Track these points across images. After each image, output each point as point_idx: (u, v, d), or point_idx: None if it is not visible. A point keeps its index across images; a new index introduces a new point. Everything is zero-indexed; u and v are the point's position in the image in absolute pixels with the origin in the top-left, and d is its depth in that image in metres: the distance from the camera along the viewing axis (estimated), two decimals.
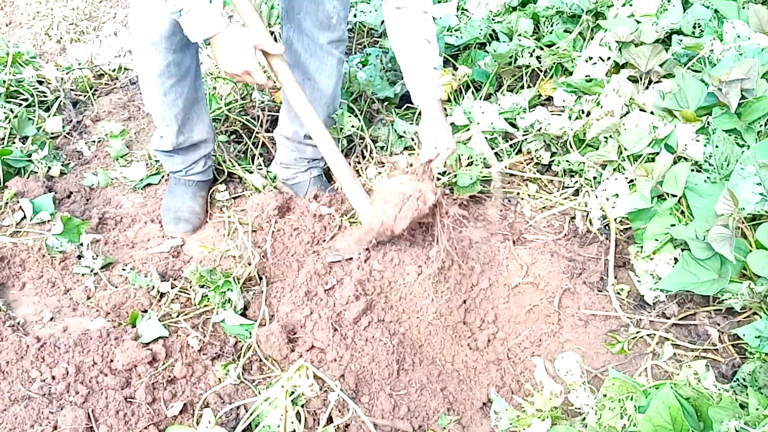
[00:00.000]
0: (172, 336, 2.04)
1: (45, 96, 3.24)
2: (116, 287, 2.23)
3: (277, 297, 2.18)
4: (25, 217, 2.52)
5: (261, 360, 2.00)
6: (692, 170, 2.19)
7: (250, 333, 2.04)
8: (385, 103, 3.01)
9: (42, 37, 3.98)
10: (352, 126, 2.74)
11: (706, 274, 1.94)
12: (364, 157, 2.80)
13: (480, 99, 2.81)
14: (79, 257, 2.35)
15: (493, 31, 3.08)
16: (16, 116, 2.96)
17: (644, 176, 2.18)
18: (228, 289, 2.11)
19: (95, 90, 3.39)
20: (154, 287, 2.20)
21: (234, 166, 2.78)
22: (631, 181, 2.30)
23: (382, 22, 3.34)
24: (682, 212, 2.15)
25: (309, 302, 2.06)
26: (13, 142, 2.89)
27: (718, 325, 2.01)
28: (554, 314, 2.11)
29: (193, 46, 2.27)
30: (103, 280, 2.27)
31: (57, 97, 3.24)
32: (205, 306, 2.15)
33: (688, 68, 2.55)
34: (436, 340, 2.03)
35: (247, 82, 2.08)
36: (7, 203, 2.57)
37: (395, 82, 3.04)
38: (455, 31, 3.06)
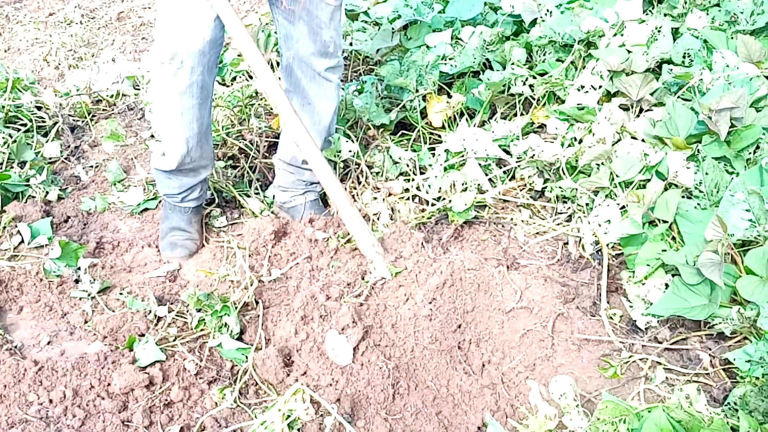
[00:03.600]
0: (169, 360, 2.06)
1: (43, 121, 3.27)
2: (113, 311, 2.25)
3: (273, 321, 2.20)
4: (23, 241, 2.54)
5: (257, 384, 2.01)
6: (683, 197, 2.22)
7: (247, 357, 2.05)
8: (381, 130, 3.05)
9: (41, 63, 4.02)
10: (349, 151, 2.77)
11: (697, 300, 1.97)
12: (359, 183, 2.84)
13: (474, 126, 2.85)
14: (77, 281, 2.36)
15: (487, 59, 3.13)
16: (14, 141, 2.99)
17: (636, 203, 2.21)
18: (225, 314, 2.13)
19: (93, 115, 3.42)
20: (151, 311, 2.21)
21: (231, 191, 2.81)
22: (623, 207, 2.34)
23: (378, 50, 3.39)
24: (673, 238, 2.19)
25: (305, 327, 2.08)
26: (12, 167, 2.91)
27: (710, 349, 2.03)
28: (548, 339, 2.13)
29: (215, 71, 2.30)
30: (101, 304, 2.28)
31: (55, 123, 3.27)
32: (202, 330, 2.17)
33: (679, 97, 2.60)
34: (431, 364, 2.05)
35: None
36: (5, 227, 2.59)
37: (391, 109, 3.09)
38: (449, 59, 3.11)
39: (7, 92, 3.24)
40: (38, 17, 4.61)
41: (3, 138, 3.00)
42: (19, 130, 3.15)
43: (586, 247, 2.41)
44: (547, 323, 2.16)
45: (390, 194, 2.76)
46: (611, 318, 2.19)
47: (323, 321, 2.07)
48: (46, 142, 3.16)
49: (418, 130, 3.00)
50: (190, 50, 2.16)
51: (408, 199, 2.73)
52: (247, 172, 2.94)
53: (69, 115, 3.39)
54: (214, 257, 2.53)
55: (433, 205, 2.67)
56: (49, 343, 2.16)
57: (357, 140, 2.89)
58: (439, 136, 2.98)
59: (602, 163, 2.49)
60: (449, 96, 3.02)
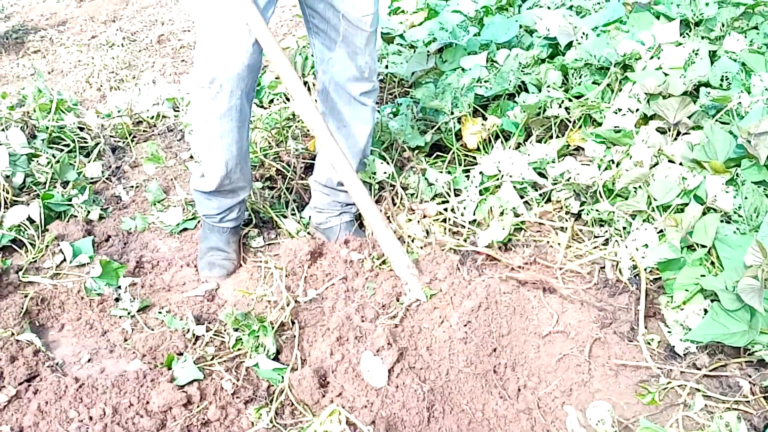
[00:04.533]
0: (207, 379, 2.08)
1: (86, 142, 3.35)
2: (152, 330, 2.29)
3: (309, 342, 2.21)
4: (65, 259, 2.60)
5: (293, 404, 2.02)
6: (722, 221, 2.20)
7: (283, 377, 2.07)
8: (416, 152, 3.06)
9: (83, 84, 4.12)
10: (384, 173, 2.80)
11: (736, 326, 1.95)
12: (394, 204, 2.85)
13: (509, 149, 2.86)
14: (117, 300, 2.41)
15: (522, 82, 3.14)
16: (58, 161, 3.06)
17: (674, 227, 2.20)
18: (262, 334, 2.15)
19: (134, 137, 3.50)
20: (189, 330, 2.24)
21: (268, 212, 2.84)
22: (661, 231, 2.32)
23: (413, 73, 3.42)
24: (712, 263, 2.16)
25: (340, 348, 2.09)
26: (55, 187, 2.98)
27: (750, 376, 2.00)
28: (585, 363, 2.12)
29: (253, 94, 2.34)
30: (140, 322, 2.32)
31: (97, 144, 3.35)
32: (239, 350, 2.19)
33: (717, 120, 2.58)
34: (466, 387, 2.04)
35: None
36: (47, 246, 2.65)
37: (426, 131, 3.11)
38: (485, 82, 3.13)
39: (51, 113, 3.33)
40: (81, 40, 4.72)
41: (47, 158, 3.08)
42: (62, 150, 3.23)
43: (624, 271, 2.39)
44: (584, 348, 2.15)
45: (425, 216, 2.77)
46: (649, 343, 2.17)
47: (358, 342, 2.09)
48: (88, 162, 3.23)
49: (453, 152, 3.02)
50: (229, 74, 2.20)
51: (443, 221, 2.75)
52: (284, 193, 2.97)
53: (110, 136, 3.47)
54: (251, 277, 2.56)
55: (468, 229, 2.67)
56: (89, 360, 2.20)
57: (392, 162, 2.91)
58: (474, 158, 2.99)
59: (640, 187, 2.47)
60: (484, 118, 3.04)
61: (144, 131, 3.57)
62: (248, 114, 2.38)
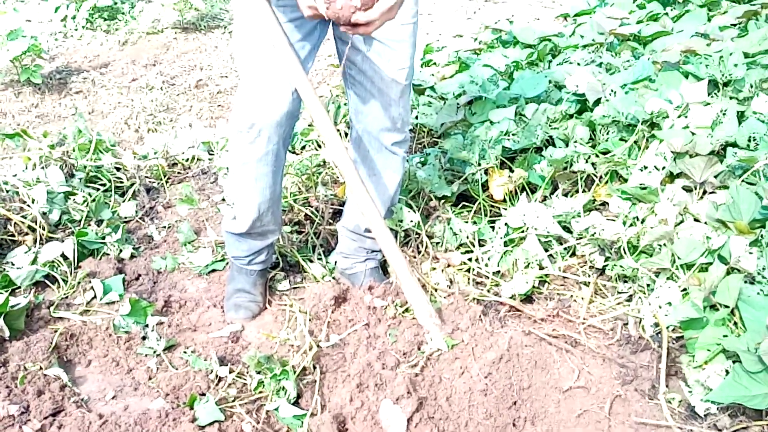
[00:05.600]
0: (227, 420, 2.11)
1: (121, 182, 3.44)
2: (177, 369, 2.32)
3: (329, 387, 2.23)
4: (95, 296, 2.66)
5: None
6: (745, 282, 2.20)
7: (302, 423, 2.09)
8: (442, 201, 3.10)
9: (122, 126, 4.24)
10: (411, 221, 2.84)
11: (758, 388, 1.93)
12: (419, 252, 2.89)
13: (535, 201, 2.88)
14: (144, 338, 2.45)
15: (550, 136, 3.18)
16: (93, 200, 3.15)
17: (697, 286, 2.20)
18: (284, 378, 2.18)
19: (168, 178, 3.59)
20: (212, 371, 2.28)
21: (295, 256, 2.89)
22: (684, 290, 2.32)
23: (443, 124, 3.48)
24: (735, 324, 2.16)
25: (360, 395, 2.10)
26: (89, 225, 3.06)
27: None
28: (605, 420, 2.11)
29: (289, 141, 2.40)
30: (165, 361, 2.36)
31: (132, 184, 3.44)
32: (260, 392, 2.22)
33: (743, 180, 2.59)
34: None
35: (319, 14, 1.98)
36: (79, 283, 2.72)
37: (453, 181, 3.15)
38: (512, 135, 3.17)
39: (90, 153, 3.43)
40: (122, 82, 4.87)
41: (83, 197, 3.17)
42: (98, 189, 3.33)
43: (647, 328, 2.39)
44: (605, 404, 2.14)
45: (449, 265, 2.80)
46: (670, 402, 2.15)
47: (378, 390, 2.10)
48: (123, 201, 3.31)
49: (479, 203, 3.05)
50: (269, 121, 2.27)
51: (467, 270, 2.77)
52: (312, 238, 3.02)
53: (146, 176, 3.56)
54: (275, 320, 2.60)
55: (492, 279, 2.69)
56: (114, 397, 2.24)
57: (419, 210, 2.96)
58: (500, 210, 3.02)
59: (664, 244, 2.48)
60: (511, 170, 3.07)
61: (178, 173, 3.66)
62: (283, 159, 2.44)
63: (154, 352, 2.40)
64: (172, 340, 2.47)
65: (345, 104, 3.68)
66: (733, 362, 2.06)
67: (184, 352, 2.39)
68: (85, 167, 3.39)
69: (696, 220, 2.54)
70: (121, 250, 2.95)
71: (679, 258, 2.39)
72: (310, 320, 2.49)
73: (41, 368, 2.26)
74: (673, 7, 4.57)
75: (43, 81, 4.80)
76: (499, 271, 2.73)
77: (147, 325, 2.49)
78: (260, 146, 2.32)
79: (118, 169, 3.52)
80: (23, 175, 3.14)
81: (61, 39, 5.59)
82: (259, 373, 2.24)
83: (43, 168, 3.24)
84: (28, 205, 2.95)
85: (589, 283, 2.67)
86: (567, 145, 3.10)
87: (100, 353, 2.42)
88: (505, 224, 2.81)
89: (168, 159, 3.70)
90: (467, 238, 2.87)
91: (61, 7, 5.78)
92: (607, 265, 2.67)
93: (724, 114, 2.84)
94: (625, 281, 2.61)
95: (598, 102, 3.20)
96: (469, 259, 2.80)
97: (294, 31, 2.23)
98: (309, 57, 2.31)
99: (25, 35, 4.68)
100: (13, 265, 2.79)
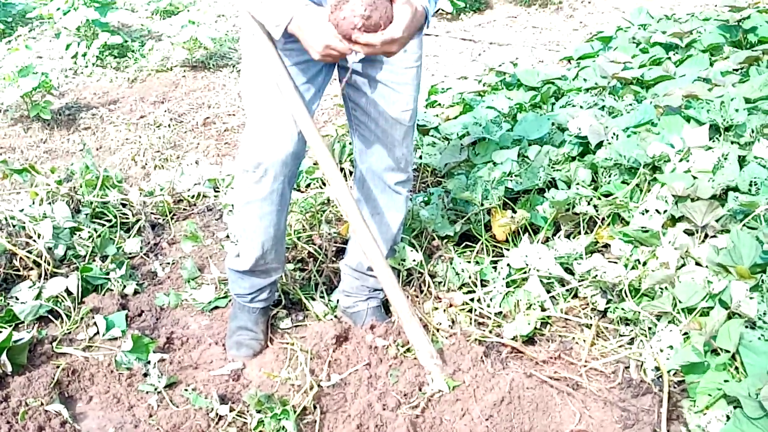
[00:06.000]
0: None
1: (127, 218, 3.47)
2: (177, 407, 2.32)
3: (329, 428, 2.23)
4: (98, 332, 2.67)
5: None
6: (746, 327, 2.20)
7: None
8: (445, 241, 3.12)
9: (129, 162, 4.28)
10: (413, 260, 2.85)
11: None
12: (421, 292, 2.89)
13: (537, 243, 2.90)
14: (145, 375, 2.45)
15: (552, 178, 3.21)
16: (99, 236, 3.18)
17: (698, 330, 2.20)
18: (284, 417, 2.17)
19: (174, 214, 3.61)
20: (213, 409, 2.27)
21: (297, 293, 2.90)
22: (686, 333, 2.32)
23: (446, 164, 3.51)
24: (736, 369, 2.16)
25: None
26: (94, 260, 3.09)
27: None
28: None
29: (294, 180, 2.43)
30: (166, 398, 2.36)
31: (138, 220, 3.47)
32: (260, 431, 2.21)
33: (744, 225, 2.61)
34: None
35: (332, 58, 2.04)
36: (83, 318, 2.74)
37: (456, 221, 3.17)
38: (515, 176, 3.20)
39: (96, 189, 3.47)
40: (130, 119, 4.93)
41: (89, 233, 3.19)
42: (104, 225, 3.35)
43: (648, 372, 2.39)
44: None
45: (451, 305, 2.80)
46: None
47: (379, 431, 2.10)
48: (128, 237, 3.34)
49: (482, 243, 3.07)
50: (275, 161, 2.30)
51: (469, 311, 2.77)
52: (314, 276, 3.04)
53: (151, 212, 3.58)
54: (276, 358, 2.60)
55: (494, 320, 2.69)
56: None
57: (421, 249, 2.97)
58: (503, 250, 3.03)
59: (665, 288, 2.49)
60: (514, 211, 3.09)
61: (184, 209, 3.69)
62: (288, 198, 2.47)
63: (155, 389, 2.40)
64: (174, 377, 2.47)
65: (350, 143, 3.72)
66: (734, 407, 2.05)
67: (185, 390, 2.39)
68: (91, 203, 3.42)
69: (698, 263, 2.55)
70: (124, 286, 2.97)
71: (680, 302, 2.39)
72: (311, 359, 2.50)
73: (42, 404, 2.26)
74: (675, 52, 4.62)
75: (53, 117, 4.86)
76: (501, 312, 2.74)
77: (149, 362, 2.49)
78: (266, 185, 2.35)
79: (124, 205, 3.55)
80: (30, 210, 3.17)
81: (72, 76, 5.67)
82: (259, 412, 2.23)
83: (50, 203, 3.27)
84: (34, 240, 2.97)
85: (591, 325, 2.67)
86: (569, 187, 3.12)
87: (102, 389, 2.42)
88: (508, 265, 2.82)
89: (174, 195, 3.73)
90: (469, 278, 2.88)
91: (72, 44, 5.87)
92: (609, 308, 2.67)
93: (725, 159, 2.86)
94: (627, 324, 2.61)
95: (600, 145, 3.23)
96: (472, 300, 2.80)
97: (299, 74, 2.28)
98: (314, 99, 2.35)
99: (36, 72, 4.75)
100: (17, 299, 2.81)
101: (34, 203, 3.27)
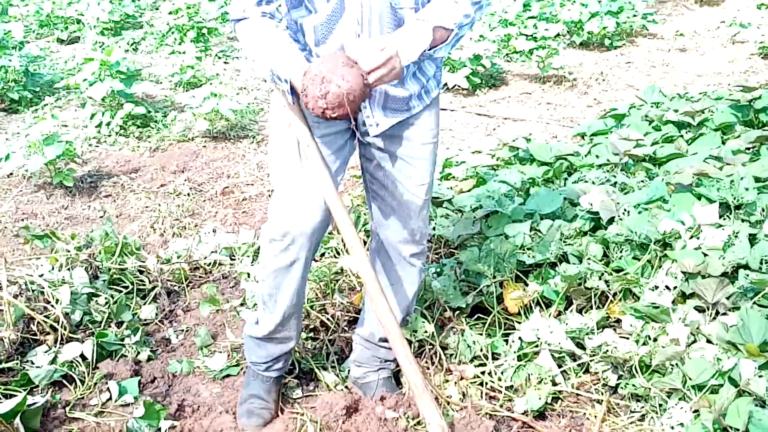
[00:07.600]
0: None
1: (143, 284, 3.52)
2: None
3: None
4: (110, 398, 2.69)
5: None
6: (756, 405, 2.19)
7: None
8: (457, 312, 3.14)
9: (147, 230, 4.36)
10: (425, 332, 2.87)
11: None
12: (432, 363, 2.90)
13: (549, 316, 2.91)
14: None
15: (564, 252, 3.24)
16: (115, 302, 3.22)
17: (707, 408, 2.20)
18: None
19: (189, 281, 3.66)
20: None
21: (309, 363, 2.92)
22: (696, 411, 2.31)
23: (459, 236, 3.55)
24: None
25: None
26: (110, 326, 3.12)
27: None
28: None
29: (317, 249, 2.47)
30: None
31: (154, 287, 3.51)
32: None
33: (754, 303, 2.62)
34: None
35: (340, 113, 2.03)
36: (96, 383, 2.76)
37: (468, 293, 3.19)
38: (528, 249, 3.24)
39: (115, 256, 3.53)
40: (150, 187, 5.03)
41: (105, 298, 3.24)
42: (120, 291, 3.40)
43: None
44: None
45: (462, 378, 2.81)
46: None
47: None
48: (144, 304, 3.38)
49: (494, 316, 3.08)
50: (301, 231, 2.34)
51: (480, 384, 2.77)
52: (326, 345, 3.06)
53: (167, 279, 3.63)
54: (286, 428, 2.60)
55: (505, 394, 2.69)
56: None
57: (433, 321, 2.99)
58: (514, 323, 3.05)
59: (676, 364, 2.49)
60: (526, 284, 3.12)
61: (200, 277, 3.74)
62: (309, 267, 2.51)
63: None
64: None
65: (365, 214, 3.78)
66: None
67: None
68: (109, 269, 3.48)
69: (708, 340, 2.55)
70: (138, 352, 3.00)
71: (690, 379, 2.39)
72: (320, 430, 2.50)
73: None
74: (687, 130, 4.69)
75: (75, 184, 4.97)
76: (512, 386, 2.74)
77: (159, 429, 2.51)
78: (291, 254, 2.39)
79: (141, 272, 3.60)
80: (49, 275, 3.23)
81: (95, 144, 5.80)
82: None
83: (68, 269, 3.33)
84: (52, 305, 3.02)
85: (602, 401, 2.66)
86: (581, 262, 3.15)
87: None
88: (519, 338, 2.83)
89: (190, 263, 3.78)
90: (481, 350, 2.88)
91: (96, 114, 6.03)
92: (620, 384, 2.67)
93: (736, 236, 2.89)
94: (638, 400, 2.60)
95: (611, 220, 3.27)
96: (483, 373, 2.81)
97: (325, 146, 2.36)
98: (339, 170, 2.43)
99: (61, 140, 4.89)
100: (32, 363, 2.84)
101: (53, 269, 3.33)
